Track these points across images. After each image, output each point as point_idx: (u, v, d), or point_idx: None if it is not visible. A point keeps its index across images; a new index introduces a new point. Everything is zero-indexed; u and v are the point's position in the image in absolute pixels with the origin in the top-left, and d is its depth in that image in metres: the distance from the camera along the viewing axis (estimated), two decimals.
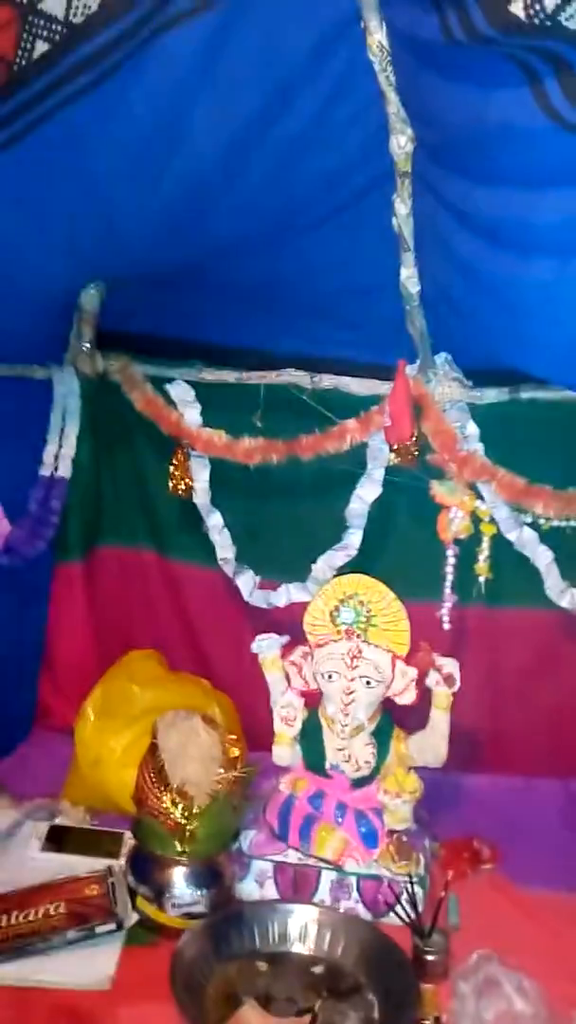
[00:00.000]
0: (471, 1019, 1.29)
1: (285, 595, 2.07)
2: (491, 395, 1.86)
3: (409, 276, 1.54)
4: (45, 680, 2.30)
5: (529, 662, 2.10)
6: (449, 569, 2.00)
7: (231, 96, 1.29)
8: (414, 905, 1.47)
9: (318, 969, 1.45)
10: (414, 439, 1.85)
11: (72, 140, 1.29)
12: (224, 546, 2.15)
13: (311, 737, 1.77)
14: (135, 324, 2.13)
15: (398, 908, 1.48)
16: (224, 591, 2.26)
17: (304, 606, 1.84)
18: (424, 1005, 1.34)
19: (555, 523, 1.90)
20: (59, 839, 1.75)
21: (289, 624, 1.90)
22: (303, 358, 1.99)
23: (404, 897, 1.49)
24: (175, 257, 1.72)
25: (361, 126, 1.34)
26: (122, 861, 1.59)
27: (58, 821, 1.82)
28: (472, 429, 1.90)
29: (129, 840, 1.68)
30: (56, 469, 2.09)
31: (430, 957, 1.43)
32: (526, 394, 1.84)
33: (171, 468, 2.13)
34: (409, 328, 1.71)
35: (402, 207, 1.41)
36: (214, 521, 2.15)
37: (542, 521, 1.90)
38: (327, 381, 1.97)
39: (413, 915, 1.46)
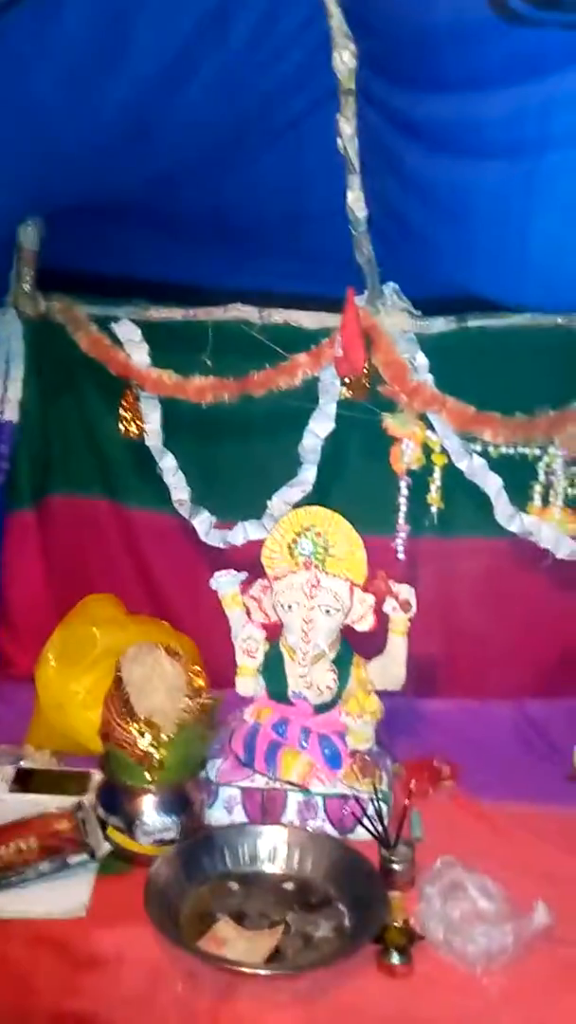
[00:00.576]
0: (437, 918, 1.35)
1: (241, 533, 2.08)
2: (439, 324, 1.88)
3: (356, 199, 1.53)
4: (2, 630, 2.28)
5: (481, 589, 2.16)
6: (402, 500, 2.03)
7: (168, 14, 1.25)
8: (380, 818, 1.52)
9: (289, 886, 1.49)
10: (365, 371, 1.85)
11: (6, 60, 1.24)
12: (178, 487, 2.14)
13: (272, 669, 1.80)
14: (77, 262, 2.08)
15: (364, 821, 1.53)
16: (180, 534, 2.26)
17: (259, 545, 1.85)
18: (392, 911, 1.39)
19: (503, 451, 1.94)
20: (26, 781, 1.76)
21: (245, 564, 1.91)
22: (251, 292, 1.97)
23: (370, 810, 1.54)
24: (116, 186, 1.68)
25: (302, 44, 1.32)
26: (91, 796, 1.60)
27: (24, 764, 1.82)
28: (421, 360, 1.91)
29: (96, 778, 1.69)
30: (2, 413, 2.04)
31: (396, 867, 1.48)
32: (473, 323, 1.86)
33: (121, 410, 2.10)
34: (357, 257, 1.71)
35: (347, 127, 1.40)
36: (167, 463, 2.14)
37: (491, 449, 1.94)
38: (277, 316, 1.96)
39: (379, 827, 1.51)
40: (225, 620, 1.86)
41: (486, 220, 1.21)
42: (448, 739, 2.02)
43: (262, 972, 1.27)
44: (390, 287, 1.83)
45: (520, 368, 1.88)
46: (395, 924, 1.35)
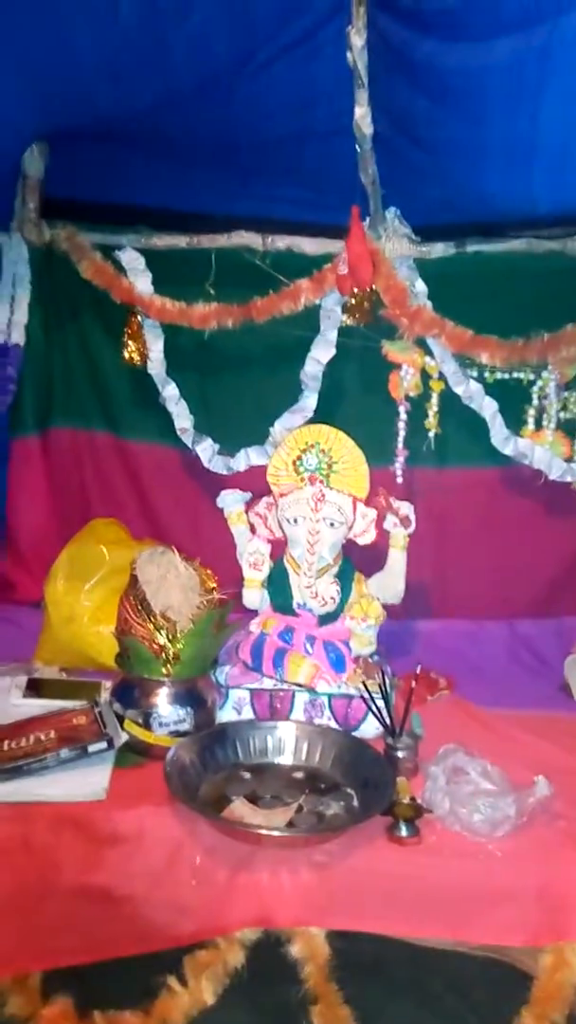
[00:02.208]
0: (443, 793, 1.42)
1: (244, 459, 2.13)
2: (438, 249, 1.94)
3: (363, 115, 1.57)
4: (8, 556, 2.32)
5: (475, 516, 2.24)
6: (401, 425, 2.09)
7: None
8: (386, 702, 1.59)
9: (299, 775, 1.56)
10: (368, 292, 1.90)
11: None
12: (181, 415, 2.18)
13: (277, 585, 1.85)
14: (81, 191, 2.11)
15: (372, 708, 1.59)
16: (180, 467, 2.31)
17: (259, 475, 1.90)
18: (399, 790, 1.46)
19: (499, 376, 2.01)
20: (38, 688, 1.81)
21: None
22: (255, 219, 2.01)
23: (376, 697, 1.60)
24: (124, 105, 1.70)
25: None
26: (106, 693, 1.66)
27: (35, 675, 1.87)
28: (421, 287, 1.97)
29: (107, 686, 1.75)
30: (9, 336, 2.07)
31: (401, 754, 1.56)
32: (472, 247, 1.92)
33: (124, 337, 2.14)
34: (361, 177, 1.75)
35: (357, 39, 1.44)
36: (170, 391, 2.18)
37: (487, 375, 2.01)
38: (280, 242, 2.00)
39: (384, 714, 1.58)
40: (225, 549, 1.90)
41: (497, 104, 1.25)
42: (444, 658, 2.10)
43: (278, 834, 1.34)
44: (392, 211, 1.88)
45: (516, 294, 1.95)
46: (403, 800, 1.42)
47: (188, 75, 1.59)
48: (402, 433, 2.10)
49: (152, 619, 1.54)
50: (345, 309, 2.00)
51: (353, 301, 1.95)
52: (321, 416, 2.10)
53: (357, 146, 1.64)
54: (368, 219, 1.90)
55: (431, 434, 2.09)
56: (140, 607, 1.55)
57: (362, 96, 1.55)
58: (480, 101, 1.27)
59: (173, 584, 1.56)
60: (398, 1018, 1.48)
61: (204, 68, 1.58)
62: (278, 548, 1.88)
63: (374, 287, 1.93)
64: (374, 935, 1.35)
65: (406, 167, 1.64)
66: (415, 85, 1.39)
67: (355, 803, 1.47)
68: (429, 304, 1.95)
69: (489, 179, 1.52)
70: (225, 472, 2.16)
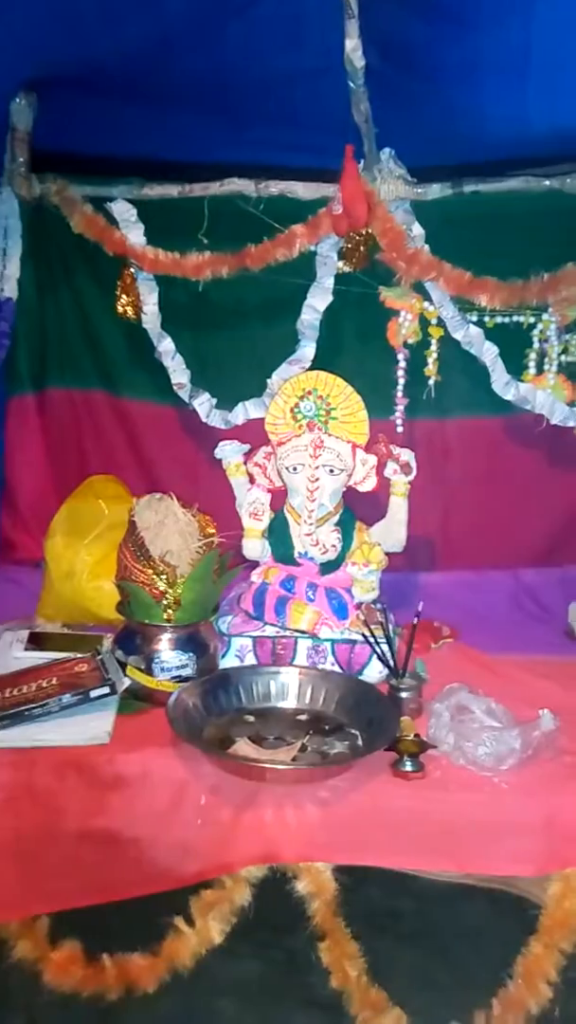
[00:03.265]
0: (447, 728, 1.41)
1: (242, 412, 2.12)
2: (435, 190, 1.91)
3: (354, 48, 1.54)
4: (6, 516, 2.31)
5: (477, 467, 2.22)
6: (400, 373, 2.07)
7: None
8: (390, 645, 1.58)
9: (303, 717, 1.55)
10: (365, 234, 1.87)
11: None
12: (177, 371, 2.16)
13: (278, 536, 1.84)
14: (70, 143, 2.08)
15: (375, 648, 1.58)
16: (176, 424, 2.30)
17: (256, 430, 1.88)
18: (403, 728, 1.45)
19: (499, 320, 1.99)
20: (40, 641, 1.80)
21: None
22: (247, 166, 1.98)
23: (380, 641, 1.59)
24: (113, 49, 1.67)
25: None
26: (108, 642, 1.65)
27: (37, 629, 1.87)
28: (418, 230, 1.94)
29: (108, 640, 1.74)
30: (2, 291, 2.05)
31: (405, 695, 1.55)
32: (469, 187, 1.89)
33: (118, 291, 2.11)
34: (354, 116, 1.72)
35: None
36: (165, 346, 2.16)
37: (486, 319, 1.99)
38: (273, 187, 1.98)
39: (388, 655, 1.57)
40: (225, 505, 1.87)
41: (489, 14, 1.22)
42: (447, 609, 2.07)
43: (283, 767, 1.33)
44: (387, 152, 1.85)
45: (515, 234, 1.92)
46: (407, 737, 1.42)
47: (176, 12, 1.56)
48: (401, 382, 2.08)
49: (151, 564, 1.53)
50: (341, 255, 1.97)
51: (349, 245, 1.92)
52: (319, 366, 2.06)
53: (349, 82, 1.61)
54: (363, 161, 1.87)
55: (431, 382, 2.07)
56: (139, 553, 1.54)
57: (352, 28, 1.52)
58: (473, 13, 1.24)
59: (172, 529, 1.54)
60: (408, 968, 1.49)
61: (192, 4, 1.55)
62: (278, 500, 1.86)
63: (370, 230, 1.90)
64: (381, 870, 1.35)
65: (399, 99, 1.61)
66: (405, 5, 1.36)
67: (359, 742, 1.46)
68: (427, 247, 1.92)
69: (483, 99, 1.49)
70: (223, 426, 2.14)
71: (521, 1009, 1.29)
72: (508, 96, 1.44)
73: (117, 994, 1.38)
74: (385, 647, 1.61)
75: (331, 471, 1.77)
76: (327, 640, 1.70)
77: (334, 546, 1.79)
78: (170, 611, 1.53)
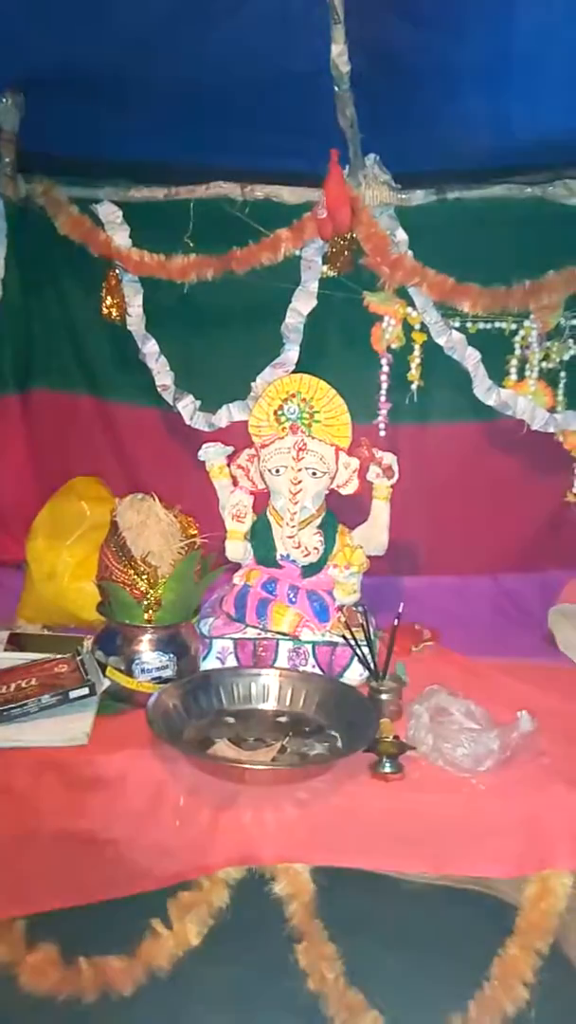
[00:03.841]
0: (426, 730, 1.42)
1: (226, 415, 2.12)
2: (419, 196, 1.92)
3: (339, 53, 1.55)
4: None
5: (458, 472, 2.22)
6: (383, 377, 2.08)
7: None
8: (370, 647, 1.58)
9: (283, 719, 1.55)
10: (348, 238, 1.88)
11: None
12: (161, 372, 2.16)
13: (260, 538, 1.84)
14: (57, 144, 2.07)
15: (355, 650, 1.58)
16: (161, 427, 2.29)
17: (240, 432, 1.88)
18: (383, 730, 1.45)
19: (481, 326, 2.00)
20: (20, 642, 1.79)
21: None
22: (233, 170, 1.99)
23: (361, 644, 1.59)
24: (100, 42, 1.66)
25: None
26: (89, 642, 1.65)
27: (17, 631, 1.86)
28: (401, 236, 1.95)
29: (88, 642, 1.73)
30: None
31: (385, 696, 1.55)
32: (452, 194, 1.90)
33: (103, 293, 2.11)
34: (340, 121, 1.73)
35: None
36: (150, 348, 2.16)
37: (469, 325, 2.00)
38: (259, 191, 1.98)
39: (368, 657, 1.57)
40: (209, 508, 1.87)
41: (471, 18, 1.23)
42: (429, 614, 2.08)
43: (262, 768, 1.33)
44: (372, 158, 1.86)
45: (497, 241, 1.94)
46: (386, 739, 1.42)
47: (161, 16, 1.56)
48: (385, 386, 2.08)
49: (133, 564, 1.52)
50: (326, 259, 1.98)
51: (334, 250, 1.93)
52: (303, 370, 2.07)
53: (335, 86, 1.62)
54: (348, 167, 1.88)
55: (414, 387, 2.08)
56: (120, 553, 1.54)
57: (338, 33, 1.53)
58: (453, 20, 1.25)
59: (153, 530, 1.54)
60: (386, 971, 1.48)
61: (178, 7, 1.55)
62: (261, 503, 1.87)
63: (355, 235, 1.91)
64: (359, 871, 1.35)
65: (384, 105, 1.62)
66: (390, 10, 1.37)
67: (339, 744, 1.46)
68: (410, 253, 1.94)
69: (465, 106, 1.50)
70: (207, 429, 2.14)
71: (497, 1011, 1.29)
72: (489, 103, 1.46)
73: (93, 997, 1.38)
74: (366, 649, 1.62)
75: (314, 474, 1.78)
76: (308, 642, 1.71)
77: (316, 548, 1.79)
78: (151, 611, 1.53)
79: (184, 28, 1.61)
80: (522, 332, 1.99)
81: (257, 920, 1.31)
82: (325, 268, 2.00)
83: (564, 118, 1.56)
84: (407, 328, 2.04)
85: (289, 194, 1.97)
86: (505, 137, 1.57)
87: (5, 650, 1.75)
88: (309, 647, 1.70)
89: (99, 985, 1.38)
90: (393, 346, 2.05)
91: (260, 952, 1.40)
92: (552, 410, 2.01)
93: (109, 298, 2.11)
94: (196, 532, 1.61)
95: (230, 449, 1.91)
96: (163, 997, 1.40)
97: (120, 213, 2.06)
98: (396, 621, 1.58)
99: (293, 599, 1.76)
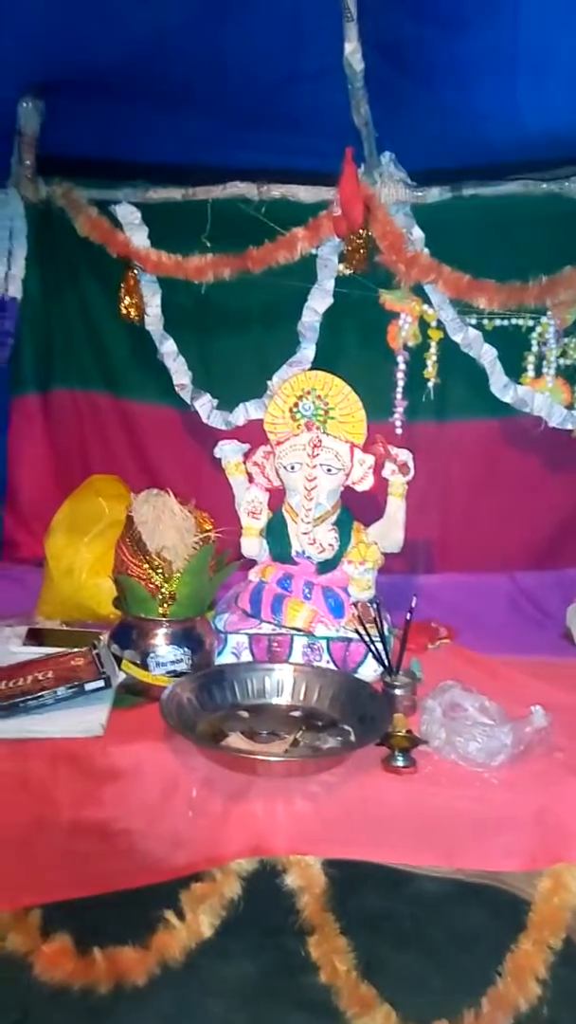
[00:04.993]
0: (439, 724, 1.42)
1: (243, 413, 2.13)
2: (434, 194, 1.92)
3: (353, 51, 1.56)
4: (9, 515, 2.33)
5: (475, 469, 2.22)
6: (400, 375, 2.08)
7: None
8: (384, 642, 1.58)
9: (296, 713, 1.56)
10: (363, 236, 1.89)
11: None
12: (179, 372, 2.18)
13: (275, 535, 1.84)
14: (76, 146, 2.11)
15: (370, 646, 1.59)
16: (179, 426, 2.31)
17: (257, 431, 1.89)
18: (396, 724, 1.45)
19: (497, 323, 2.00)
20: (38, 637, 1.81)
21: None
22: (249, 170, 2.01)
23: (375, 639, 1.60)
24: (117, 42, 1.69)
25: None
26: (105, 636, 1.66)
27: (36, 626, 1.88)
28: (417, 234, 1.96)
29: (105, 637, 1.75)
30: (7, 290, 2.08)
31: (398, 691, 1.55)
32: (468, 191, 1.90)
33: (121, 292, 2.14)
34: (354, 119, 1.74)
35: None
36: (168, 347, 2.18)
37: (485, 322, 2.00)
38: (275, 190, 1.99)
39: (382, 652, 1.57)
40: (226, 507, 1.88)
41: (476, 13, 1.23)
42: (445, 611, 2.08)
43: (275, 760, 1.34)
44: (387, 156, 1.87)
45: (514, 237, 1.93)
46: (399, 733, 1.42)
47: (177, 16, 1.59)
48: (401, 384, 2.09)
49: (148, 559, 1.54)
50: (342, 257, 1.99)
51: (350, 248, 1.94)
52: (319, 368, 2.08)
53: (349, 85, 1.63)
54: (363, 165, 1.89)
55: (430, 384, 2.08)
56: (136, 547, 1.56)
57: (352, 30, 1.54)
58: (462, 14, 1.26)
59: (168, 524, 1.56)
60: (399, 965, 1.48)
61: (193, 8, 1.57)
62: (277, 500, 1.88)
63: (370, 233, 1.92)
64: (371, 864, 1.34)
65: (398, 102, 1.63)
66: (401, 7, 1.38)
67: (352, 738, 1.47)
68: (426, 250, 1.94)
69: (478, 101, 1.50)
70: (224, 427, 2.16)
71: (510, 1007, 1.28)
72: (501, 98, 1.46)
73: (107, 987, 1.39)
74: (380, 645, 1.62)
75: (329, 470, 1.78)
76: (323, 638, 1.71)
77: (331, 545, 1.80)
78: (165, 605, 1.54)
79: (197, 29, 1.63)
80: (539, 328, 1.98)
81: (269, 912, 1.31)
82: (341, 266, 2.00)
83: None
84: (423, 325, 2.04)
85: (305, 193, 1.98)
86: (520, 132, 1.57)
87: (24, 645, 1.77)
88: (324, 643, 1.71)
89: (113, 976, 1.39)
90: (409, 343, 2.06)
91: (272, 944, 1.40)
92: (570, 407, 2.00)
93: (127, 298, 2.13)
94: (211, 527, 1.62)
95: (246, 446, 1.92)
96: (176, 988, 1.41)
97: (138, 214, 2.09)
98: (409, 615, 1.58)
99: (308, 595, 1.76)
